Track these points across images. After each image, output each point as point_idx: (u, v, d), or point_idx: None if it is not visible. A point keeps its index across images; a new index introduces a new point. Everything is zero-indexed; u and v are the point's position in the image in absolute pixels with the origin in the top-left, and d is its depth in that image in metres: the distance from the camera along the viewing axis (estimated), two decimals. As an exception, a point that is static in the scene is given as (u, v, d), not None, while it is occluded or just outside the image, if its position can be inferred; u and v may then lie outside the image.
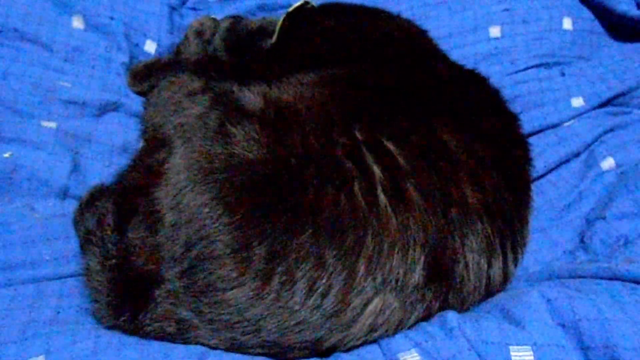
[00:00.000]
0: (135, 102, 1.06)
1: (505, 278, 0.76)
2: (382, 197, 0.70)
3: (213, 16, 1.24)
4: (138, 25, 1.14)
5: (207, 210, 0.70)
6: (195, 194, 0.71)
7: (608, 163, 0.98)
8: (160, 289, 0.69)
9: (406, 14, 1.15)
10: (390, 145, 0.75)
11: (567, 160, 1.04)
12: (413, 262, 0.68)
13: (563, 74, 1.13)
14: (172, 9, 1.24)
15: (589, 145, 1.03)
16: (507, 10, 1.16)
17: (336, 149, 0.75)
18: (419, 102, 0.85)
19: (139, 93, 1.09)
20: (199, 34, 1.20)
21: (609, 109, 1.10)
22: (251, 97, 0.86)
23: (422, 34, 0.99)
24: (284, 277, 0.65)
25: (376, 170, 0.73)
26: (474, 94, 0.89)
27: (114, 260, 0.74)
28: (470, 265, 0.71)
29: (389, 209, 0.70)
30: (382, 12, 1.03)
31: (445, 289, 0.70)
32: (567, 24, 1.17)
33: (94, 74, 1.06)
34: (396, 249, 0.68)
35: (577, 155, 1.03)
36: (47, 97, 0.98)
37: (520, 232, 0.78)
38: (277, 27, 1.03)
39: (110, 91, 1.05)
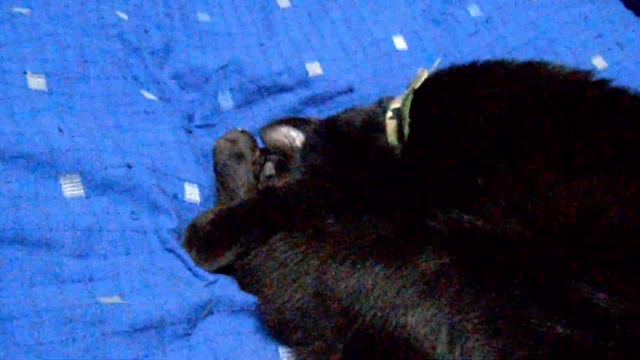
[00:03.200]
0: (229, 287, 0.62)
1: None
2: None
3: (239, 128, 0.86)
4: (166, 168, 0.71)
5: None
6: None
7: None
8: None
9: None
10: None
11: None
12: None
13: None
14: (188, 132, 0.83)
15: None
16: (600, 36, 0.98)
17: None
18: None
19: (216, 271, 0.65)
20: (238, 156, 0.81)
21: None
22: (490, 224, 0.52)
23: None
24: None
25: None
26: None
27: None
28: None
29: None
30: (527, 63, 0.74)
31: None
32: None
33: (139, 266, 0.60)
34: None
35: None
36: (101, 332, 0.51)
37: None
38: (406, 113, 0.70)
39: (184, 283, 0.60)
